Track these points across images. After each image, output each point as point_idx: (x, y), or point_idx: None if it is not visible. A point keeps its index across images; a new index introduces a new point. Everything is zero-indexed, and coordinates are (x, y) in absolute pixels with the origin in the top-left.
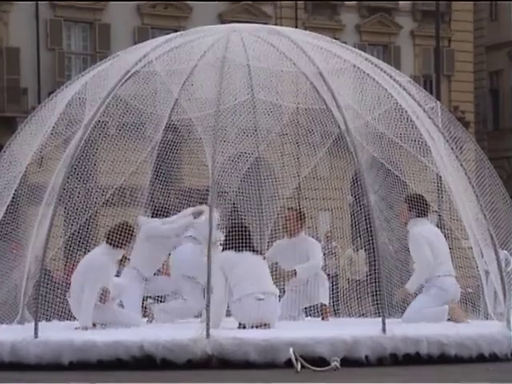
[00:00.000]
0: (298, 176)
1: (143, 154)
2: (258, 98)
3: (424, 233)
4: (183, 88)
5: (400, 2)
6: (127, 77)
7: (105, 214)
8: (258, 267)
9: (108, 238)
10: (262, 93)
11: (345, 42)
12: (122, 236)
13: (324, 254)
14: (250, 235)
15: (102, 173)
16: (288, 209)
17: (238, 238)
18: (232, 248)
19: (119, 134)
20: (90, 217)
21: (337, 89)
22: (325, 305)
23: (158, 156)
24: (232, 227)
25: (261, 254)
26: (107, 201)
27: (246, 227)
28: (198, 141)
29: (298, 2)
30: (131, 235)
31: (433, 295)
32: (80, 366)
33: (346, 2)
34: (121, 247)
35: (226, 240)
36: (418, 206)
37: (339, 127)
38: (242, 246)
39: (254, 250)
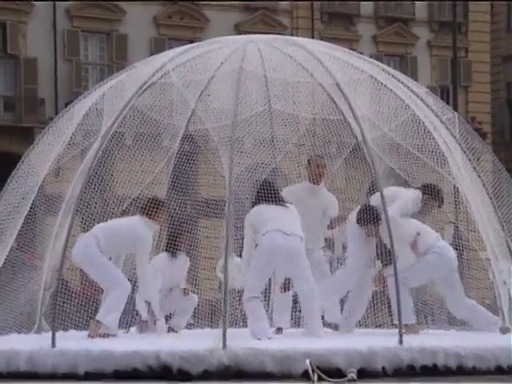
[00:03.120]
0: None
1: (160, 165)
2: (274, 108)
3: None
4: (200, 99)
5: (417, 13)
6: (144, 88)
7: None
8: (285, 214)
9: (144, 210)
10: (278, 103)
11: (361, 53)
12: (156, 209)
13: (340, 265)
14: (277, 190)
15: (119, 183)
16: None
17: (267, 195)
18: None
19: (136, 144)
20: None
21: (354, 99)
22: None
23: (175, 166)
24: (261, 185)
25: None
26: (124, 211)
27: (273, 183)
28: (214, 151)
29: (315, 13)
30: (163, 210)
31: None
32: (96, 376)
33: (363, 13)
34: (156, 220)
35: (256, 198)
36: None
37: (356, 138)
38: (271, 201)
39: (281, 203)
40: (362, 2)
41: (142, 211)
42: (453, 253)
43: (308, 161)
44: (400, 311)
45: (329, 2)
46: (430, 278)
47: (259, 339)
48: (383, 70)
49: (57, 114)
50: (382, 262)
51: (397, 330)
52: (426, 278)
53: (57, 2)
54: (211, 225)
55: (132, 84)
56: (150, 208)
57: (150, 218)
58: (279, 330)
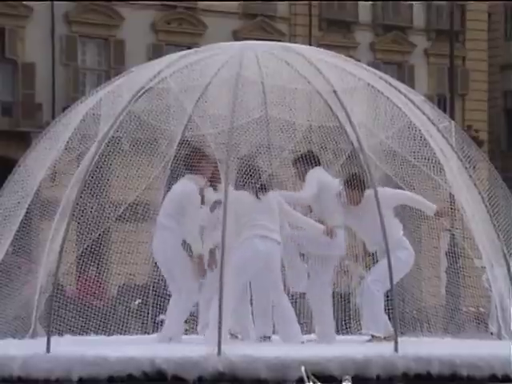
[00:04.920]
0: None
1: (156, 170)
2: (271, 115)
3: None
4: (197, 105)
5: (414, 21)
6: (141, 93)
7: (117, 229)
8: (263, 211)
9: (186, 166)
10: (275, 110)
11: (359, 60)
12: (198, 162)
13: (337, 273)
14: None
15: (115, 188)
16: None
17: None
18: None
19: (133, 149)
20: (103, 232)
21: (350, 107)
22: None
23: (171, 172)
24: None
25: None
26: (120, 216)
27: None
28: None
29: (313, 20)
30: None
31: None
32: (90, 381)
33: (361, 20)
34: (200, 172)
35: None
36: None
37: (352, 145)
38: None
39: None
40: (360, 10)
41: (185, 168)
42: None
43: None
44: (396, 317)
45: (327, 9)
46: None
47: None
48: (380, 77)
49: (54, 118)
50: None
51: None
52: (399, 278)
53: (55, 8)
54: None
55: (129, 89)
56: (191, 163)
57: (193, 172)
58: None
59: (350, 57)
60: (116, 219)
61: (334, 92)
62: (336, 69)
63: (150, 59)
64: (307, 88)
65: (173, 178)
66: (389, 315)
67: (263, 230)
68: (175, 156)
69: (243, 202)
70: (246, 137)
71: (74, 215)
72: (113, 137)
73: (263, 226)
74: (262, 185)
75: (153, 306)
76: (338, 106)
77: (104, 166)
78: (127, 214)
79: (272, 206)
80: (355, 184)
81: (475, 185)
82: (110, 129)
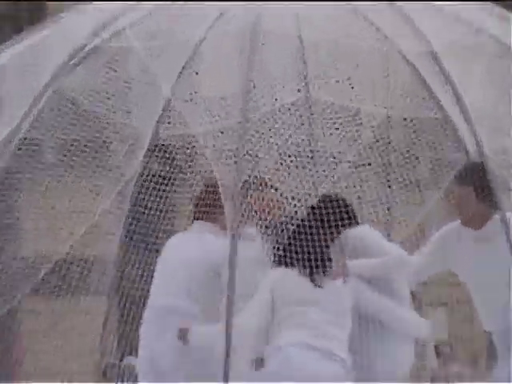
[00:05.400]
0: None
1: (106, 199)
2: (316, 97)
3: None
4: (181, 79)
5: None
6: (78, 58)
7: (35, 309)
8: (322, 304)
9: (195, 212)
10: (322, 89)
11: None
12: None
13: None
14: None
15: (31, 234)
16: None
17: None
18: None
19: (63, 162)
20: (9, 313)
21: (462, 83)
22: None
23: (135, 203)
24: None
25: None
26: (41, 285)
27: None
28: (206, 175)
29: None
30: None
31: None
32: None
33: None
34: (215, 221)
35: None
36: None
37: (466, 151)
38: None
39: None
40: None
41: (194, 215)
42: None
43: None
44: None
45: None
46: None
47: None
48: None
49: None
50: None
51: None
52: None
53: None
54: None
55: (57, 50)
56: (200, 208)
57: (207, 220)
58: None
59: None
60: (31, 291)
61: (431, 54)
62: (434, 12)
63: None
64: (381, 47)
65: (137, 214)
66: None
67: (316, 338)
68: (141, 174)
69: (288, 281)
70: (271, 138)
71: None
72: (26, 138)
73: (318, 330)
74: (322, 259)
75: None
76: (440, 81)
77: (10, 191)
78: (53, 281)
79: (342, 300)
80: (473, 180)
81: None
82: (22, 122)
